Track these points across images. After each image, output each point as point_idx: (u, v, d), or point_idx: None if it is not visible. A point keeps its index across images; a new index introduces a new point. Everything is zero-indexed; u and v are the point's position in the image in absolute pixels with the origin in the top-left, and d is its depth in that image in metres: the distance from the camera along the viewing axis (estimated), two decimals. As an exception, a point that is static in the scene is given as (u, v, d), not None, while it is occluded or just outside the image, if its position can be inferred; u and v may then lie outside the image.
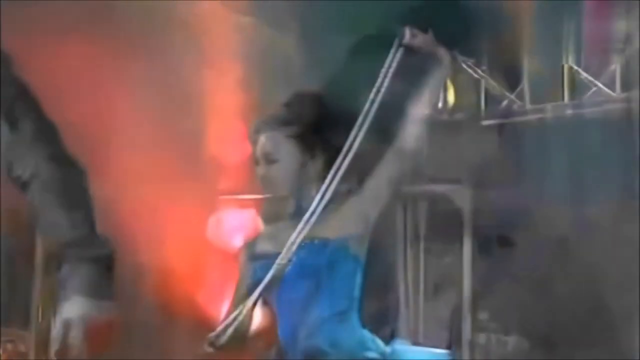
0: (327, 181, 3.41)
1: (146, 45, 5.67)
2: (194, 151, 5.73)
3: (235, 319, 3.38)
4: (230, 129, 5.78)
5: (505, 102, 6.61)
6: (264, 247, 3.56)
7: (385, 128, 3.56)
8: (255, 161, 3.59)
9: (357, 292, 3.51)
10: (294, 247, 3.40)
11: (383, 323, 5.26)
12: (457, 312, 5.89)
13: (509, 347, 6.36)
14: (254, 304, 3.46)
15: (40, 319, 6.27)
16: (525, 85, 6.52)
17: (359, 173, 3.55)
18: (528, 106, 6.49)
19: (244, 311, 3.40)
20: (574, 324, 5.96)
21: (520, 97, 6.58)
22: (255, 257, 3.55)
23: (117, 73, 5.47)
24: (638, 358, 5.74)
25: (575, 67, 6.33)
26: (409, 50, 3.54)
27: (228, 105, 5.86)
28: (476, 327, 5.86)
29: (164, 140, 5.42)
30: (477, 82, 6.75)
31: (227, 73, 5.86)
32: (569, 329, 5.98)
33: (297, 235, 3.39)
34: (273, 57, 5.73)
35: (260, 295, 3.44)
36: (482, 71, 6.70)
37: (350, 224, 3.53)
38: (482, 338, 6.08)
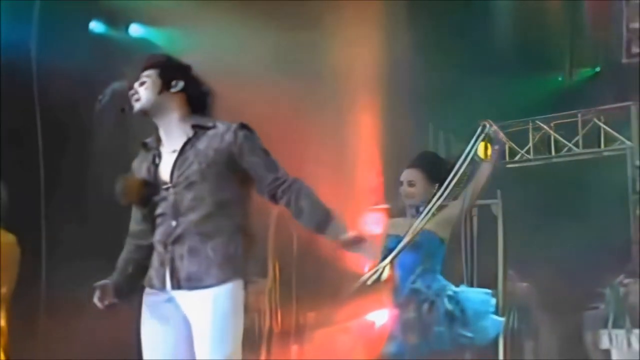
0: (434, 198, 4.50)
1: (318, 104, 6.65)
2: (350, 181, 7.05)
3: (376, 271, 4.38)
4: (373, 167, 7.24)
5: (566, 149, 8.99)
6: (392, 231, 4.65)
7: (467, 174, 4.54)
8: (400, 183, 4.72)
9: (441, 259, 4.65)
10: (414, 233, 4.43)
11: (454, 276, 5.27)
12: (494, 270, 6.48)
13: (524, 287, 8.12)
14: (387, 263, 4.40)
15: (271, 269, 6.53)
16: (580, 136, 8.55)
17: (452, 195, 4.59)
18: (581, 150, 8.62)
19: (382, 267, 4.39)
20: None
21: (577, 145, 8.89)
22: (388, 237, 4.63)
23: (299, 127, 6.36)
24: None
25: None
26: (486, 134, 4.51)
27: (368, 154, 7.22)
28: (505, 278, 6.64)
29: (337, 177, 6.57)
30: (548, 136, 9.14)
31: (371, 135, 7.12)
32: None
33: (416, 226, 4.43)
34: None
35: (393, 258, 4.44)
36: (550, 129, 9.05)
37: (444, 222, 4.60)
38: (509, 284, 7.07)
